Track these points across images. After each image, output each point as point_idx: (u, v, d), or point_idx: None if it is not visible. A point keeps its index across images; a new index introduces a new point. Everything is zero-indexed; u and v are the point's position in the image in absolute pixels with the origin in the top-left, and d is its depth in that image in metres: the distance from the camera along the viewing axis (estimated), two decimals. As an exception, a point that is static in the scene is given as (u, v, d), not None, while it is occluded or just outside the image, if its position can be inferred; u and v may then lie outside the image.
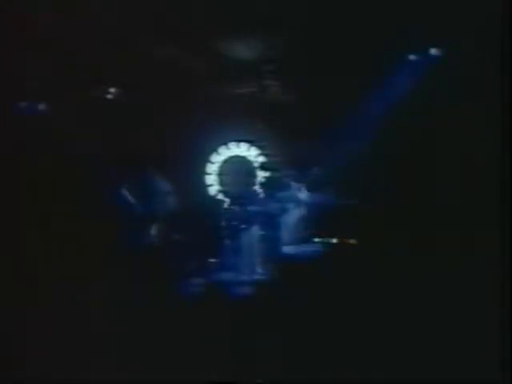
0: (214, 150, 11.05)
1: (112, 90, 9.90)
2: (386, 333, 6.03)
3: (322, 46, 8.93)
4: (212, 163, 11.06)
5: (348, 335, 6.08)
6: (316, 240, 9.03)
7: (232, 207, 9.63)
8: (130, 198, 9.37)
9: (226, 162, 11.06)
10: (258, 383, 5.66)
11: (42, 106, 9.14)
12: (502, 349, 5.45)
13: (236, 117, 10.39)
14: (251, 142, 10.96)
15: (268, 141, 10.74)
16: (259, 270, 8.88)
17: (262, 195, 9.54)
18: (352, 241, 8.88)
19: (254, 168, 10.77)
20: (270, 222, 9.26)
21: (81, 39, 8.49)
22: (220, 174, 11.02)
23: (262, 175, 10.25)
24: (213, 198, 10.73)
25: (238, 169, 10.83)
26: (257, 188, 9.96)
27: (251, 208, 9.30)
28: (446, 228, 8.25)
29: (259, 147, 10.92)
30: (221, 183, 10.92)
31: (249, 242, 9.07)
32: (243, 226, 9.21)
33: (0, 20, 7.84)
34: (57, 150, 9.03)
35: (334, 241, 8.93)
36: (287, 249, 9.01)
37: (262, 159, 10.81)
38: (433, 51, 9.05)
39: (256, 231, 9.14)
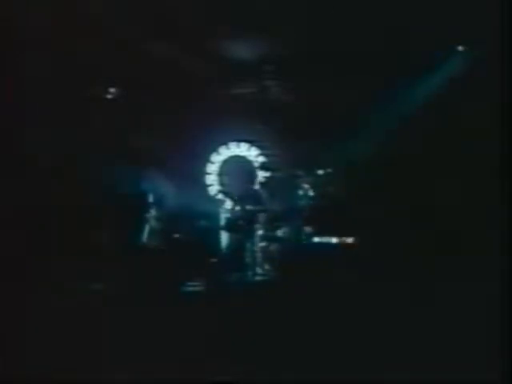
0: (214, 149, 11.06)
1: (112, 89, 9.91)
2: (386, 333, 6.03)
3: (322, 46, 8.94)
4: (212, 163, 11.08)
5: (348, 335, 6.08)
6: (316, 240, 9.03)
7: (232, 207, 9.63)
8: (130, 198, 9.38)
9: (226, 161, 11.07)
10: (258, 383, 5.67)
11: (41, 106, 9.13)
12: (502, 349, 5.45)
13: (236, 117, 10.40)
14: (251, 142, 10.97)
15: (268, 141, 10.76)
16: (260, 269, 8.88)
17: (262, 195, 9.54)
18: (352, 240, 8.88)
19: (254, 168, 10.78)
20: (270, 221, 9.26)
21: (81, 39, 8.49)
22: (220, 173, 11.03)
23: (262, 175, 10.26)
24: (213, 198, 10.74)
25: (238, 169, 10.84)
26: (257, 188, 9.96)
27: (251, 208, 9.30)
28: (446, 228, 8.25)
29: (259, 147, 10.94)
30: (221, 183, 10.93)
31: (249, 242, 9.07)
32: (244, 226, 9.20)
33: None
34: (56, 150, 9.03)
35: (334, 240, 8.93)
36: (288, 248, 9.00)
37: (261, 159, 10.82)
38: (432, 51, 9.07)
39: (256, 231, 9.14)
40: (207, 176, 11.06)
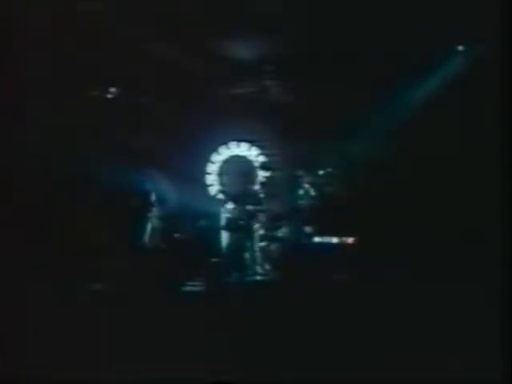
0: (215, 149, 11.06)
1: (112, 89, 9.91)
2: (386, 333, 6.03)
3: (321, 46, 8.93)
4: (212, 163, 11.07)
5: (348, 335, 6.08)
6: (316, 240, 9.04)
7: (232, 207, 9.63)
8: (130, 198, 9.38)
9: (226, 161, 11.07)
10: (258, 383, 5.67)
11: (41, 106, 9.13)
12: (502, 349, 5.45)
13: (236, 117, 10.40)
14: (251, 142, 10.97)
15: (268, 141, 10.75)
16: (260, 269, 8.89)
17: (262, 195, 9.54)
18: (352, 240, 8.87)
19: (255, 168, 10.77)
20: (270, 221, 9.26)
21: (81, 39, 8.49)
22: (220, 173, 11.03)
23: (262, 175, 10.26)
24: (213, 198, 10.73)
25: (238, 168, 10.84)
26: (257, 188, 9.96)
27: (251, 208, 9.30)
28: (446, 227, 8.24)
29: (259, 147, 10.94)
30: (221, 183, 10.93)
31: (249, 242, 9.07)
32: (244, 226, 9.20)
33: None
34: (56, 150, 9.02)
35: (334, 240, 8.93)
36: (288, 248, 9.01)
37: (262, 159, 10.82)
38: (432, 51, 9.07)
39: (256, 231, 9.14)
40: (207, 176, 11.05)
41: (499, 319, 5.70)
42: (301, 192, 9.49)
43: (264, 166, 10.22)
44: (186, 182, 9.99)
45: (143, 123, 10.12)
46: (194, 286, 8.04)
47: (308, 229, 9.10)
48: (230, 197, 9.88)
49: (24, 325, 6.19)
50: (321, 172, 9.57)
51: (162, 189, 9.67)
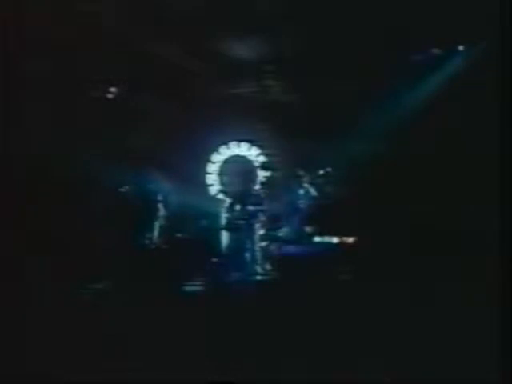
0: (215, 149, 11.07)
1: (112, 89, 9.91)
2: (385, 333, 6.03)
3: (322, 46, 8.94)
4: (213, 163, 11.08)
5: (349, 335, 6.08)
6: (316, 240, 9.04)
7: (232, 207, 9.63)
8: (131, 198, 9.38)
9: (226, 161, 11.07)
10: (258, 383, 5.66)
11: (42, 106, 9.12)
12: (502, 349, 5.45)
13: (236, 117, 10.40)
14: (252, 142, 10.98)
15: (268, 140, 10.76)
16: (260, 269, 8.88)
17: (262, 195, 9.55)
18: (352, 240, 8.88)
19: (255, 167, 10.78)
20: (271, 221, 9.26)
21: (81, 39, 8.49)
22: (220, 173, 11.04)
23: (262, 175, 10.26)
24: (213, 198, 10.74)
25: (238, 168, 10.84)
26: (257, 187, 9.96)
27: (252, 207, 9.30)
28: (446, 227, 8.24)
29: (260, 147, 10.95)
30: (221, 183, 10.94)
31: (249, 242, 9.07)
32: (244, 226, 9.20)
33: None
34: (57, 150, 9.02)
35: (334, 240, 8.94)
36: (288, 248, 9.01)
37: (262, 159, 10.82)
38: (432, 51, 9.08)
39: (256, 231, 9.14)
40: (208, 176, 11.06)
41: (499, 319, 5.69)
42: (301, 192, 9.49)
43: (264, 166, 10.22)
44: (186, 181, 9.99)
45: (143, 123, 10.13)
46: (194, 286, 8.04)
47: (308, 229, 9.10)
48: (230, 197, 9.88)
49: (24, 325, 6.19)
50: (321, 172, 9.57)
51: (161, 189, 9.67)
